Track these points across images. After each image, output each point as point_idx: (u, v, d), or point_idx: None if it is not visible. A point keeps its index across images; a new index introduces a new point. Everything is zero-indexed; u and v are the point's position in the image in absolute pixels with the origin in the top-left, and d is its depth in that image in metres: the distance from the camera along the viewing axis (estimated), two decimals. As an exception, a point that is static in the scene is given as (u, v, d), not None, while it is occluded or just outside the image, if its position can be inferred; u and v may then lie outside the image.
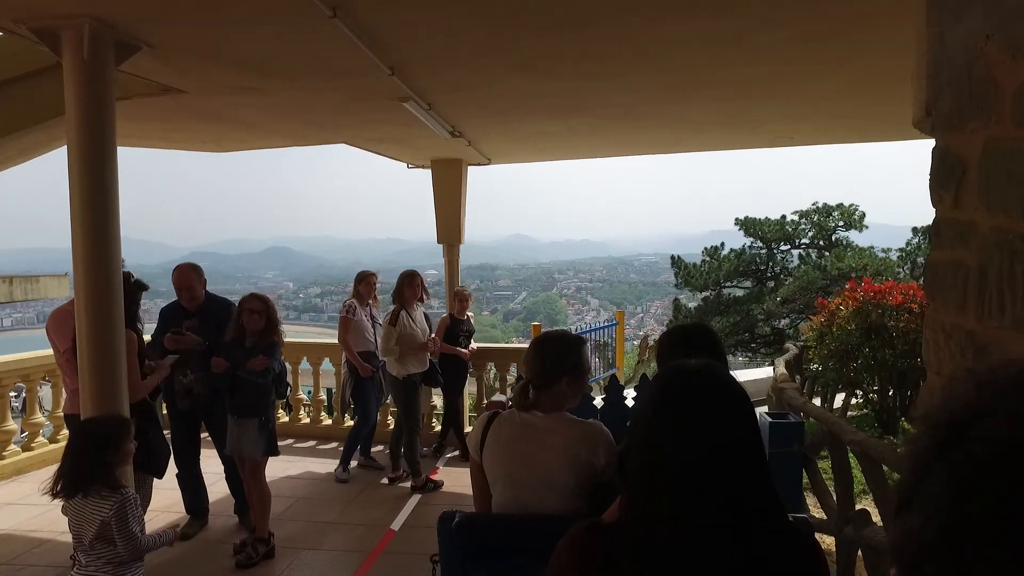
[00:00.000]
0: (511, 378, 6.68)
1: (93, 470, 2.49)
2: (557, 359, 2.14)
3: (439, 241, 6.72)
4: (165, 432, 4.19)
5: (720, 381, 1.14)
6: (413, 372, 5.49)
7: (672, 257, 30.46)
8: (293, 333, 5.54)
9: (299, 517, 5.02)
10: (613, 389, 3.16)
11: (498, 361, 6.64)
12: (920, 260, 26.97)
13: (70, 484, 2.50)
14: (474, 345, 6.44)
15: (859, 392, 7.67)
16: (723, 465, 1.05)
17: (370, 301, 6.03)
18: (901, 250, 27.33)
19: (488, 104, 4.21)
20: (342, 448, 5.94)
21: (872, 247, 27.42)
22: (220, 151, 5.76)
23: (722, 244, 30.04)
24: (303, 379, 7.22)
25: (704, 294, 29.61)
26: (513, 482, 2.09)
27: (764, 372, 10.86)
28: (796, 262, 29.84)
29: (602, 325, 8.45)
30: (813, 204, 28.74)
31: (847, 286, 7.35)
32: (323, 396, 7.21)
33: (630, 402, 3.13)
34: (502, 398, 4.68)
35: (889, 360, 6.74)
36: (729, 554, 1.02)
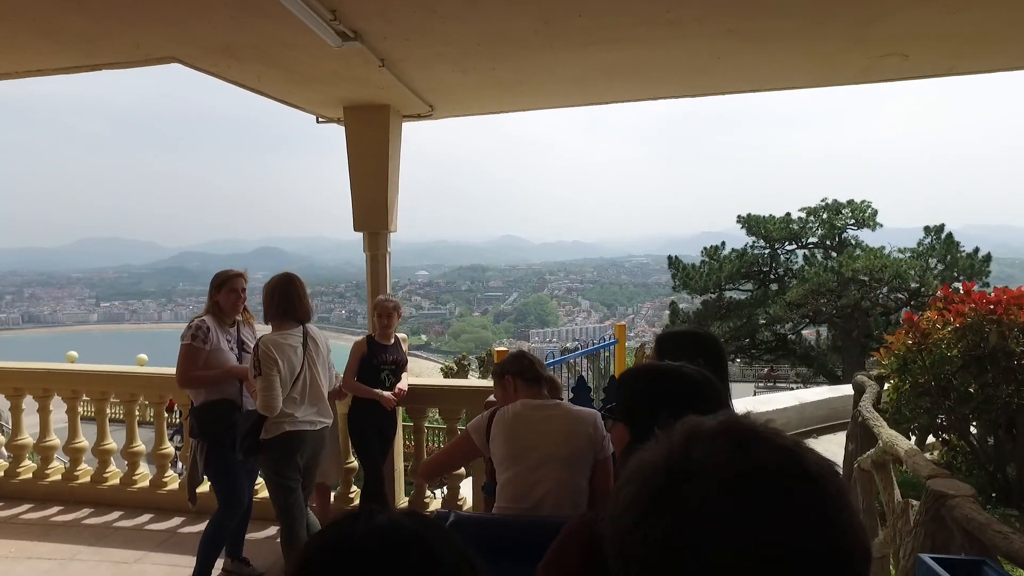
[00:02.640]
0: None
1: None
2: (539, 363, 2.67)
3: (356, 228, 4.55)
4: None
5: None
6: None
7: (669, 258, 28.40)
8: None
9: None
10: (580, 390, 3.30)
11: (443, 405, 4.48)
12: (932, 261, 25.20)
13: None
14: (404, 384, 4.28)
15: (946, 437, 5.61)
16: None
17: (238, 318, 3.87)
18: (912, 251, 25.45)
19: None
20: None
21: (883, 247, 25.56)
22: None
23: (723, 244, 28.05)
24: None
25: (703, 297, 27.63)
26: (518, 457, 2.35)
27: (788, 399, 8.81)
28: (801, 263, 27.94)
29: (601, 344, 6.43)
30: (822, 200, 26.84)
31: (939, 294, 5.25)
32: (168, 448, 5.04)
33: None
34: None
35: (1008, 399, 4.67)
36: None
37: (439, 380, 5.17)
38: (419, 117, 4.64)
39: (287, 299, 3.52)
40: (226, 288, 3.75)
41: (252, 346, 3.83)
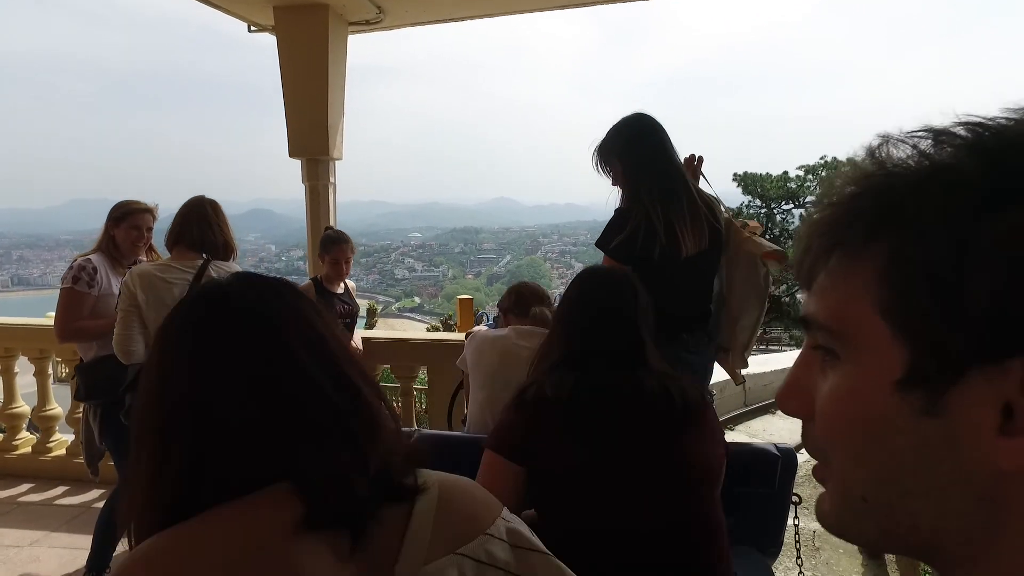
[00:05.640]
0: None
1: None
2: (533, 294, 2.59)
3: (292, 154, 3.86)
4: None
5: None
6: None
7: (663, 217, 27.68)
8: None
9: None
10: None
11: (397, 361, 3.84)
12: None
13: None
14: (358, 338, 3.65)
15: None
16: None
17: (141, 258, 3.20)
18: (911, 211, 24.85)
19: None
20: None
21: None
22: None
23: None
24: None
25: (697, 257, 27.03)
26: (489, 383, 2.35)
27: (788, 360, 8.27)
28: (797, 223, 27.28)
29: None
30: (821, 158, 26.05)
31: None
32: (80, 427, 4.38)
33: None
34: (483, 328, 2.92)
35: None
36: None
37: (393, 333, 4.54)
38: (368, 24, 3.91)
39: (187, 222, 2.81)
40: (127, 223, 3.06)
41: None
